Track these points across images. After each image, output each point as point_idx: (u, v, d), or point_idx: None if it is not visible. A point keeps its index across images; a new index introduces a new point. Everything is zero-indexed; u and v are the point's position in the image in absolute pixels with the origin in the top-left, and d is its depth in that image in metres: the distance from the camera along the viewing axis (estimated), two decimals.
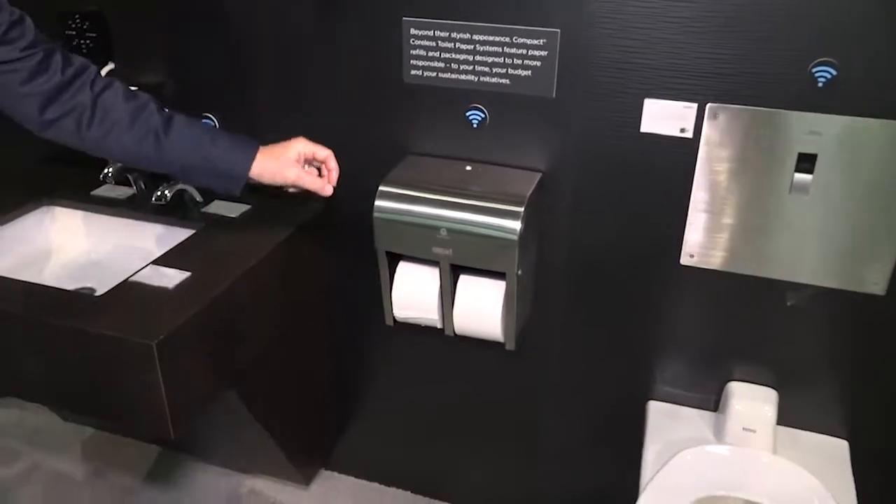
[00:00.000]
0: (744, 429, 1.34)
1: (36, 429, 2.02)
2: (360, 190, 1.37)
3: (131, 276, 1.26)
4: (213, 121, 1.54)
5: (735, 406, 1.35)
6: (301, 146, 1.26)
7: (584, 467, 1.63)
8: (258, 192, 1.54)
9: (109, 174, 1.47)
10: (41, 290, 1.24)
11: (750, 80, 1.17)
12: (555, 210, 1.37)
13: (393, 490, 1.83)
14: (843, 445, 1.38)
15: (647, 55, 1.20)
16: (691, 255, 1.33)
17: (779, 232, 1.26)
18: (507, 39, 1.26)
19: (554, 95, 1.28)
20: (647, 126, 1.25)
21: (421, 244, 1.31)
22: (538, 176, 1.34)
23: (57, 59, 1.12)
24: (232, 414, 1.48)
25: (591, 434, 1.58)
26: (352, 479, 1.86)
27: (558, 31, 1.23)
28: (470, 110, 1.34)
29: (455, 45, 1.30)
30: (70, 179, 1.61)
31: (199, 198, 1.52)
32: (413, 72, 1.34)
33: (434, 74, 1.33)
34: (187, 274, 1.27)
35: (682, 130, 1.24)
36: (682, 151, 1.25)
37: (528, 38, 1.25)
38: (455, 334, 1.40)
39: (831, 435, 1.39)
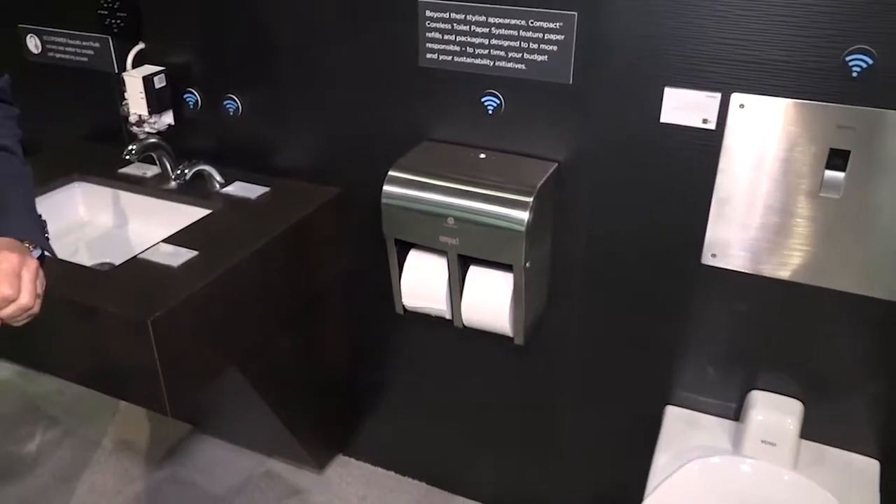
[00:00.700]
0: (763, 441, 1.26)
1: (76, 398, 2.09)
2: (377, 175, 1.35)
3: (139, 253, 1.27)
4: (235, 102, 1.54)
5: (755, 416, 1.27)
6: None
7: (599, 469, 1.57)
8: (278, 175, 1.56)
9: (133, 151, 1.49)
10: (57, 264, 1.27)
11: (778, 68, 1.09)
12: (572, 202, 1.32)
13: (408, 480, 1.82)
14: (873, 465, 1.28)
15: (667, 41, 1.13)
16: (713, 255, 1.25)
17: (807, 234, 1.17)
18: (523, 22, 1.21)
19: (571, 82, 1.23)
20: (667, 116, 1.19)
21: (428, 232, 1.28)
22: (554, 166, 1.29)
23: None
24: (242, 395, 1.49)
25: (608, 436, 1.52)
26: (368, 466, 1.85)
27: (575, 14, 1.17)
28: (485, 96, 1.30)
29: (470, 28, 1.26)
30: (102, 157, 1.65)
31: (219, 178, 1.53)
32: (429, 55, 1.31)
33: (449, 58, 1.30)
34: (194, 253, 1.27)
35: (705, 121, 1.17)
36: (705, 144, 1.18)
37: (544, 20, 1.20)
38: (464, 326, 1.37)
39: (861, 453, 1.30)
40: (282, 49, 1.44)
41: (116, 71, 1.63)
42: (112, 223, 1.61)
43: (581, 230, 1.34)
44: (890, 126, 1.06)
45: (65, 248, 1.53)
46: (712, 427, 1.36)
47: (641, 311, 1.36)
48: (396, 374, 1.70)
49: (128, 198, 1.58)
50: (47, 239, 1.03)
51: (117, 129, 1.71)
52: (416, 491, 1.79)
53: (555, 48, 1.21)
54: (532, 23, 1.21)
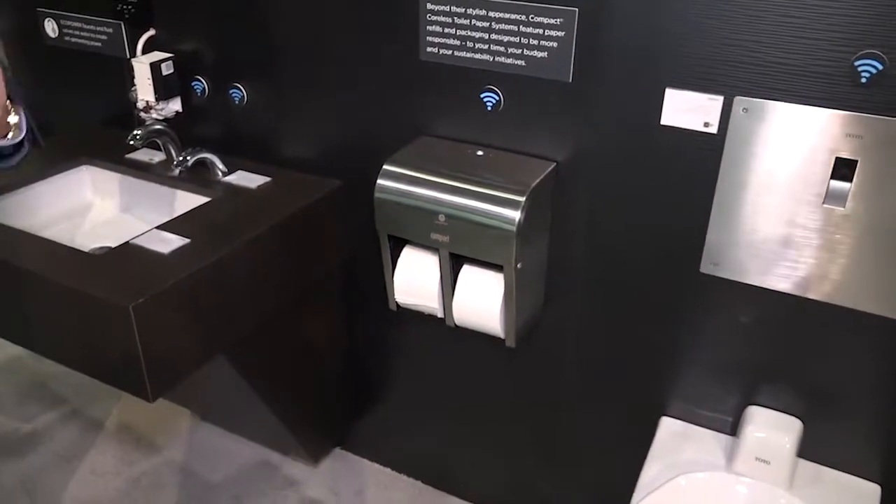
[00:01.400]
0: (757, 458, 1.21)
1: (84, 379, 2.10)
2: (376, 169, 1.33)
3: (132, 239, 1.27)
4: (241, 91, 1.54)
5: (750, 433, 1.23)
6: None
7: (594, 475, 1.54)
8: (277, 165, 1.55)
9: (137, 136, 1.49)
10: (49, 246, 1.28)
11: (783, 72, 1.04)
12: (570, 203, 1.29)
13: (403, 478, 1.80)
14: (874, 490, 1.23)
15: (669, 40, 1.09)
16: (714, 264, 1.21)
17: (810, 246, 1.12)
18: (523, 17, 1.18)
19: (570, 80, 1.19)
20: (668, 118, 1.15)
21: (420, 229, 1.26)
22: (551, 166, 1.25)
23: None
24: (236, 386, 1.49)
25: (603, 443, 1.49)
26: (365, 461, 1.85)
27: (576, 10, 1.14)
28: (484, 92, 1.27)
29: (471, 22, 1.23)
30: (112, 142, 1.67)
31: (221, 166, 1.53)
32: (429, 49, 1.29)
33: (450, 52, 1.27)
34: (186, 240, 1.27)
35: (706, 125, 1.13)
36: (706, 148, 1.14)
37: (544, 16, 1.17)
38: (456, 325, 1.35)
39: (862, 476, 1.25)
40: (286, 40, 1.43)
41: (128, 57, 1.64)
42: (117, 208, 1.62)
43: (579, 233, 1.30)
44: None
45: (69, 230, 1.55)
46: (707, 441, 1.31)
47: (638, 318, 1.32)
48: (394, 370, 1.68)
49: (132, 183, 1.59)
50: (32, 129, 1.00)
51: (128, 114, 1.72)
52: (410, 489, 1.78)
53: (555, 45, 1.18)
54: (532, 18, 1.18)
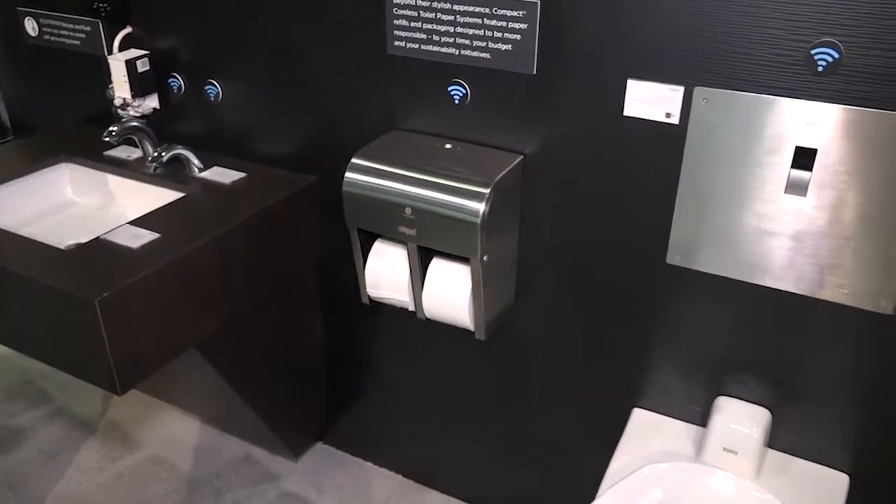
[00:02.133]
0: (724, 449, 1.21)
1: (70, 376, 2.12)
2: (347, 164, 1.34)
3: (103, 234, 1.28)
4: (216, 87, 1.55)
5: (717, 423, 1.23)
6: None
7: (570, 468, 1.54)
8: (254, 161, 1.56)
9: (113, 133, 1.50)
10: (23, 243, 1.29)
11: (742, 62, 1.05)
12: (538, 196, 1.29)
13: (384, 472, 1.81)
14: (842, 479, 1.23)
15: (630, 31, 1.10)
16: (679, 255, 1.21)
17: (774, 235, 1.12)
18: (487, 10, 1.19)
19: (534, 72, 1.20)
20: (630, 109, 1.15)
21: (388, 222, 1.26)
22: (518, 158, 1.26)
23: None
24: (212, 381, 1.50)
25: (578, 434, 1.49)
26: (347, 455, 1.85)
27: (538, 2, 1.14)
28: (451, 85, 1.28)
29: (436, 16, 1.24)
30: (91, 139, 1.68)
31: (197, 163, 1.54)
32: (396, 42, 1.29)
33: (416, 46, 1.28)
34: (157, 235, 1.28)
35: (668, 115, 1.13)
36: (669, 139, 1.14)
37: (507, 9, 1.17)
38: (427, 318, 1.35)
39: (831, 466, 1.25)
40: (259, 37, 1.44)
41: (107, 55, 1.65)
42: (95, 204, 1.63)
43: (547, 225, 1.31)
44: (857, 124, 1.00)
45: (48, 227, 1.56)
46: (677, 432, 1.32)
47: (608, 310, 1.33)
48: (372, 365, 1.69)
49: (110, 180, 1.60)
50: None
51: (108, 112, 1.73)
52: (391, 483, 1.78)
53: (518, 37, 1.18)
54: (495, 10, 1.18)
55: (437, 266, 1.30)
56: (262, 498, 1.74)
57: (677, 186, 1.16)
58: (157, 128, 1.61)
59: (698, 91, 1.09)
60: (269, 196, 1.43)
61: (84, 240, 1.47)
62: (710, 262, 1.19)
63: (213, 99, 1.56)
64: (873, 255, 1.07)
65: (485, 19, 1.20)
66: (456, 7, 1.21)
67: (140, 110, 1.61)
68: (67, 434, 1.94)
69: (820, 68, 1.00)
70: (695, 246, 1.19)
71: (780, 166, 1.08)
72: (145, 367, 1.23)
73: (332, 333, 1.70)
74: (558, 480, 1.57)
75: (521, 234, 1.33)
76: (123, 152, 1.64)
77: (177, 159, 1.54)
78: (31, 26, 1.76)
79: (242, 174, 1.51)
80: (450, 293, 1.29)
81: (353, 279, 1.49)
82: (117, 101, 1.61)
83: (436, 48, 1.26)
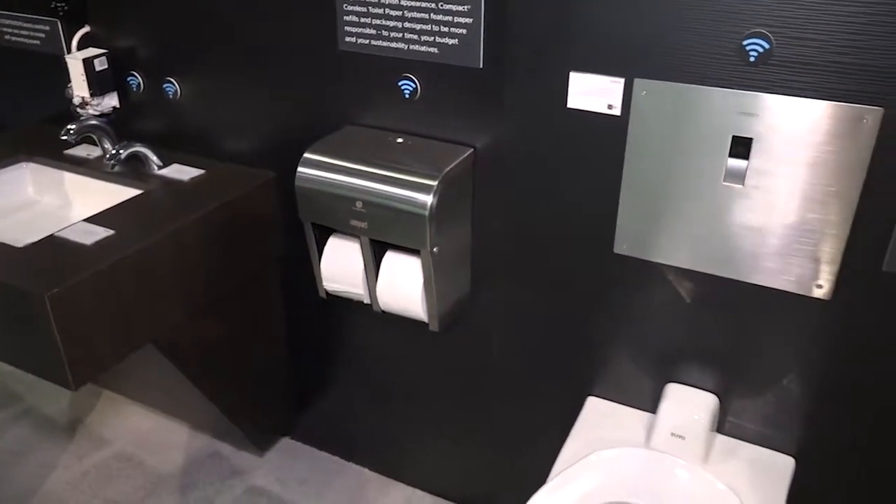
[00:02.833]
0: (672, 434, 1.24)
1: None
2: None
3: (57, 231, 1.29)
4: (174, 85, 1.56)
5: (666, 409, 1.25)
6: None
7: (529, 458, 1.56)
8: (215, 158, 1.57)
9: (71, 131, 1.51)
10: None
11: (679, 53, 1.07)
12: (489, 188, 1.31)
13: (350, 465, 1.83)
14: (788, 463, 1.25)
15: (571, 24, 1.12)
16: (626, 244, 1.23)
17: (714, 224, 1.14)
18: (433, 5, 1.21)
19: (481, 66, 1.22)
20: (574, 101, 1.17)
21: (340, 216, 1.28)
22: (468, 151, 1.28)
23: None
24: (174, 378, 1.51)
25: (537, 424, 1.51)
26: (314, 450, 1.87)
27: None
28: (402, 80, 1.30)
29: (384, 11, 1.25)
30: (51, 138, 1.68)
31: (156, 160, 1.55)
32: (347, 38, 1.31)
33: (367, 42, 1.29)
34: (111, 232, 1.29)
35: (610, 107, 1.15)
36: (612, 130, 1.16)
37: (452, 3, 1.19)
38: (383, 311, 1.37)
39: (777, 450, 1.27)
40: (215, 35, 1.45)
41: (67, 54, 1.66)
42: (55, 203, 1.64)
43: (500, 217, 1.32)
44: (790, 113, 1.03)
45: (7, 226, 1.56)
46: (628, 419, 1.34)
47: (561, 300, 1.35)
48: (334, 359, 1.70)
49: (70, 178, 1.61)
50: None
51: (68, 111, 1.73)
52: (356, 476, 1.80)
53: (464, 31, 1.20)
54: (441, 5, 1.20)
55: (391, 259, 1.32)
56: (228, 493, 1.75)
57: (622, 177, 1.18)
58: (118, 126, 1.61)
59: (638, 83, 1.11)
60: (226, 192, 1.44)
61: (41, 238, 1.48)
62: (655, 251, 1.21)
63: (171, 97, 1.57)
64: (808, 241, 1.09)
65: (431, 14, 1.21)
66: (403, 2, 1.23)
67: (99, 109, 1.62)
68: (35, 433, 1.94)
69: (752, 59, 1.03)
70: (640, 235, 1.21)
71: (718, 156, 1.10)
72: (100, 362, 1.24)
73: (294, 329, 1.71)
74: (518, 470, 1.58)
75: (473, 227, 1.35)
76: (83, 151, 1.64)
77: (137, 157, 1.55)
78: None
79: (201, 171, 1.52)
80: (403, 285, 1.30)
81: (313, 274, 1.50)
82: (76, 100, 1.61)
83: (385, 43, 1.28)
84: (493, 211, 1.32)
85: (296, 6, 1.33)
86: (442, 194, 1.20)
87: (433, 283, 1.26)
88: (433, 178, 1.19)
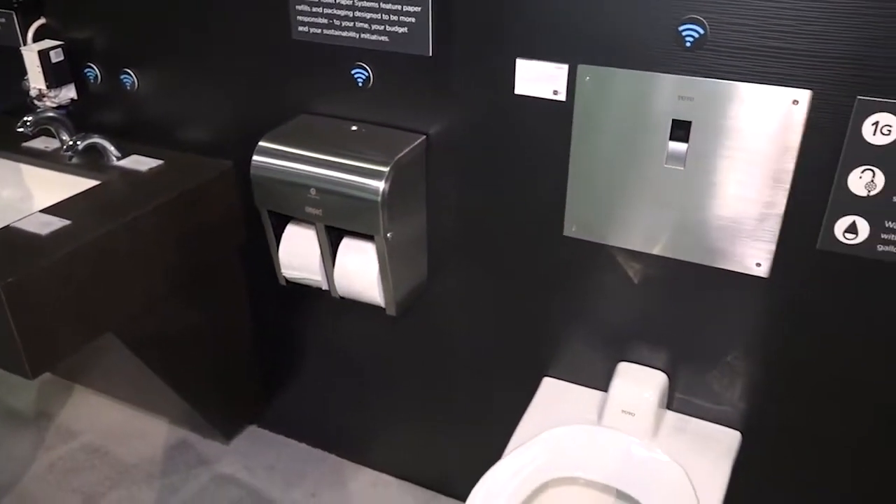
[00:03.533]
0: (623, 411, 1.27)
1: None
2: None
3: (14, 222, 1.30)
4: (131, 76, 1.56)
5: (616, 387, 1.29)
6: None
7: (489, 440, 1.59)
8: (174, 149, 1.58)
9: (27, 123, 1.51)
10: None
11: (619, 39, 1.10)
12: (442, 175, 1.33)
13: (317, 451, 1.85)
14: (734, 436, 1.30)
15: (516, 11, 1.14)
16: (574, 227, 1.26)
17: (658, 206, 1.18)
18: None
19: (430, 54, 1.23)
20: (521, 88, 1.20)
21: (295, 203, 1.30)
22: (421, 138, 1.30)
23: None
24: (136, 367, 1.52)
25: (493, 408, 1.54)
26: (281, 437, 1.89)
27: None
28: (354, 68, 1.31)
29: (335, 0, 1.27)
30: (8, 131, 1.67)
31: (114, 151, 1.55)
32: (300, 28, 1.32)
33: (319, 31, 1.31)
34: (67, 222, 1.30)
35: (556, 93, 1.18)
36: (558, 115, 1.19)
37: None
38: (341, 297, 1.39)
39: (725, 425, 1.31)
40: (170, 25, 1.46)
41: (22, 46, 1.65)
42: (12, 195, 1.63)
43: (455, 203, 1.35)
44: (725, 96, 1.06)
45: None
46: (582, 398, 1.37)
47: (516, 282, 1.37)
48: (298, 346, 1.72)
49: (27, 170, 1.60)
50: None
51: (25, 104, 1.73)
52: (323, 462, 1.82)
53: (413, 20, 1.22)
54: None
55: (347, 245, 1.34)
56: (195, 482, 1.77)
57: (569, 161, 1.21)
58: (76, 118, 1.61)
59: (581, 69, 1.14)
60: (184, 182, 1.45)
61: None
62: (602, 233, 1.25)
63: (129, 88, 1.57)
64: (747, 221, 1.13)
65: (381, 3, 1.23)
66: None
67: (57, 101, 1.62)
68: (1, 427, 1.94)
69: (688, 44, 1.06)
70: (588, 218, 1.24)
71: (660, 139, 1.13)
72: (58, 350, 1.25)
73: (258, 317, 1.73)
74: (479, 451, 1.62)
75: (429, 213, 1.38)
76: (42, 143, 1.64)
77: (95, 149, 1.56)
78: None
79: (160, 161, 1.53)
80: (359, 271, 1.33)
81: (272, 262, 1.52)
82: (33, 93, 1.61)
83: (337, 32, 1.29)
84: (447, 197, 1.35)
85: None
86: (394, 180, 1.22)
87: (388, 269, 1.29)
88: (385, 165, 1.21)
